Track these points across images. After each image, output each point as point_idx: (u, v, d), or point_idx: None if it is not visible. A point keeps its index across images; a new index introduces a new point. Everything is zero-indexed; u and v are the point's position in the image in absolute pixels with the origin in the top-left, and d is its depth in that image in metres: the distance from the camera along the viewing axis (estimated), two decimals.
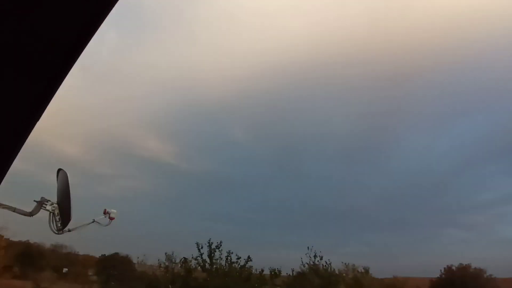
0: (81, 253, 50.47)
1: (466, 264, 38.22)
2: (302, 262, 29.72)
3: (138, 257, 35.63)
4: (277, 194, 58.85)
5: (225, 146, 60.22)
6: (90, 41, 1.65)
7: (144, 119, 56.35)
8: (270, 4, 50.10)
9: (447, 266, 39.76)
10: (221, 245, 27.64)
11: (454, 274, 38.04)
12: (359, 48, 49.93)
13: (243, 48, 53.83)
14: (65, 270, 44.65)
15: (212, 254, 27.45)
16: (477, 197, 58.66)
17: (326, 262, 29.78)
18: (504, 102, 55.54)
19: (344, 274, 30.64)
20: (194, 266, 27.82)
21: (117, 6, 1.53)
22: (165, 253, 29.28)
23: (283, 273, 29.69)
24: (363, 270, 31.73)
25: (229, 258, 27.68)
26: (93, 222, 3.01)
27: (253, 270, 28.05)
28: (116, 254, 46.88)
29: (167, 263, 28.94)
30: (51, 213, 2.77)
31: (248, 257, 27.82)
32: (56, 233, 2.75)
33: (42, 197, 2.79)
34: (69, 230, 2.81)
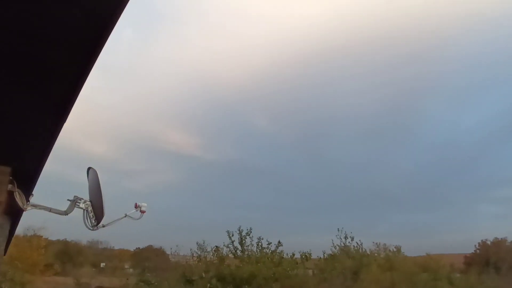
0: (116, 247, 52.23)
1: (501, 239, 37.26)
2: (333, 244, 29.72)
3: (171, 248, 36.42)
4: (304, 179, 58.76)
5: (249, 135, 60.48)
6: (107, 40, 1.67)
7: (166, 113, 57.11)
8: None
9: (481, 241, 38.91)
10: (251, 231, 27.94)
11: (489, 249, 37.18)
12: (378, 28, 48.68)
13: (262, 37, 53.40)
14: (102, 265, 46.36)
15: (243, 241, 27.77)
16: (508, 170, 56.74)
17: (357, 243, 29.68)
18: None
19: (375, 254, 30.39)
20: (226, 254, 28.24)
21: (130, 2, 1.54)
22: (197, 243, 29.83)
23: (315, 256, 29.79)
24: (395, 249, 31.40)
25: (260, 244, 27.96)
26: (125, 216, 3.09)
27: (284, 255, 28.23)
28: (150, 246, 48.26)
29: (199, 253, 29.49)
30: (85, 211, 2.87)
31: (279, 242, 28.03)
32: (90, 229, 2.85)
33: (75, 196, 2.89)
34: (103, 226, 2.90)
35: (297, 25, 51.51)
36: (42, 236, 34.96)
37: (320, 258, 30.33)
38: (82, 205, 2.85)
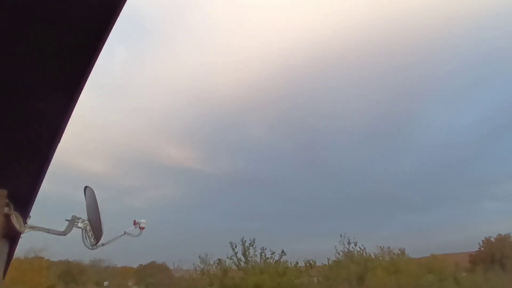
0: (119, 265, 51.73)
1: (505, 235, 37.13)
2: (336, 250, 29.59)
3: (174, 263, 36.19)
4: (305, 186, 58.69)
5: (247, 146, 60.51)
6: (100, 59, 1.68)
7: (165, 129, 57.13)
8: (272, 2, 49.59)
9: (485, 238, 38.78)
10: (254, 242, 27.80)
11: (493, 246, 37.04)
12: (372, 34, 49.16)
13: (257, 49, 53.75)
14: (106, 283, 45.89)
15: (246, 252, 27.61)
16: (508, 165, 56.84)
17: (360, 248, 29.56)
18: None
19: (380, 258, 30.24)
20: (229, 266, 28.05)
21: (122, 20, 1.55)
22: (199, 256, 29.63)
23: (319, 263, 29.65)
24: (399, 252, 31.26)
25: (263, 254, 27.81)
26: (124, 234, 3.07)
27: (288, 264, 28.07)
28: (153, 262, 47.83)
29: (202, 266, 29.28)
30: (83, 230, 2.85)
31: (282, 251, 27.90)
32: (90, 249, 2.83)
33: (73, 216, 2.87)
34: (102, 245, 2.88)
35: (292, 35, 52.04)
36: (43, 258, 34.66)
37: (325, 265, 30.18)
38: (80, 224, 2.83)
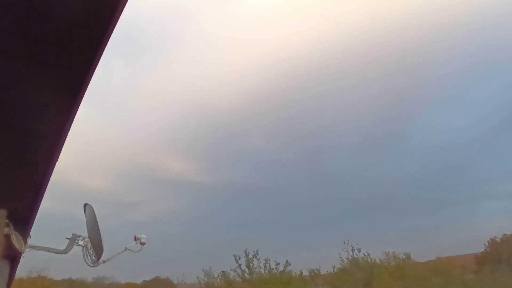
0: (123, 282, 51.21)
1: (510, 234, 36.92)
2: (341, 257, 29.40)
3: (177, 278, 35.86)
4: (307, 194, 58.48)
5: (247, 156, 60.36)
6: (98, 75, 1.69)
7: (164, 142, 57.11)
8: (269, 11, 50.14)
9: (491, 239, 38.54)
10: (258, 253, 27.63)
11: (499, 246, 36.81)
12: (368, 39, 49.52)
13: (254, 58, 54.03)
14: None
15: (250, 264, 27.42)
16: (509, 163, 56.77)
17: (364, 254, 29.37)
18: None
19: (385, 263, 30.04)
20: (233, 278, 27.84)
21: (118, 36, 1.56)
22: (203, 270, 29.41)
23: (324, 271, 29.42)
24: (404, 256, 31.06)
25: (267, 265, 27.61)
26: (125, 250, 3.06)
27: (293, 274, 27.86)
28: (157, 277, 47.39)
29: (206, 279, 29.03)
30: (84, 248, 2.84)
31: (287, 261, 27.70)
32: (91, 266, 2.82)
33: (73, 234, 2.86)
34: (104, 262, 2.87)
35: (289, 43, 52.32)
36: (46, 277, 34.31)
37: (330, 273, 29.96)
38: (81, 242, 2.82)
